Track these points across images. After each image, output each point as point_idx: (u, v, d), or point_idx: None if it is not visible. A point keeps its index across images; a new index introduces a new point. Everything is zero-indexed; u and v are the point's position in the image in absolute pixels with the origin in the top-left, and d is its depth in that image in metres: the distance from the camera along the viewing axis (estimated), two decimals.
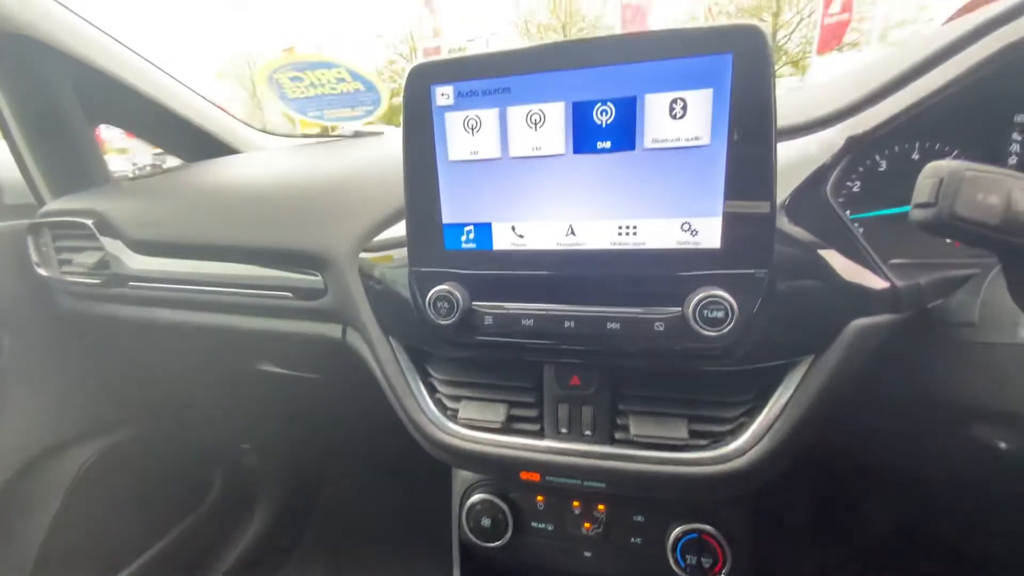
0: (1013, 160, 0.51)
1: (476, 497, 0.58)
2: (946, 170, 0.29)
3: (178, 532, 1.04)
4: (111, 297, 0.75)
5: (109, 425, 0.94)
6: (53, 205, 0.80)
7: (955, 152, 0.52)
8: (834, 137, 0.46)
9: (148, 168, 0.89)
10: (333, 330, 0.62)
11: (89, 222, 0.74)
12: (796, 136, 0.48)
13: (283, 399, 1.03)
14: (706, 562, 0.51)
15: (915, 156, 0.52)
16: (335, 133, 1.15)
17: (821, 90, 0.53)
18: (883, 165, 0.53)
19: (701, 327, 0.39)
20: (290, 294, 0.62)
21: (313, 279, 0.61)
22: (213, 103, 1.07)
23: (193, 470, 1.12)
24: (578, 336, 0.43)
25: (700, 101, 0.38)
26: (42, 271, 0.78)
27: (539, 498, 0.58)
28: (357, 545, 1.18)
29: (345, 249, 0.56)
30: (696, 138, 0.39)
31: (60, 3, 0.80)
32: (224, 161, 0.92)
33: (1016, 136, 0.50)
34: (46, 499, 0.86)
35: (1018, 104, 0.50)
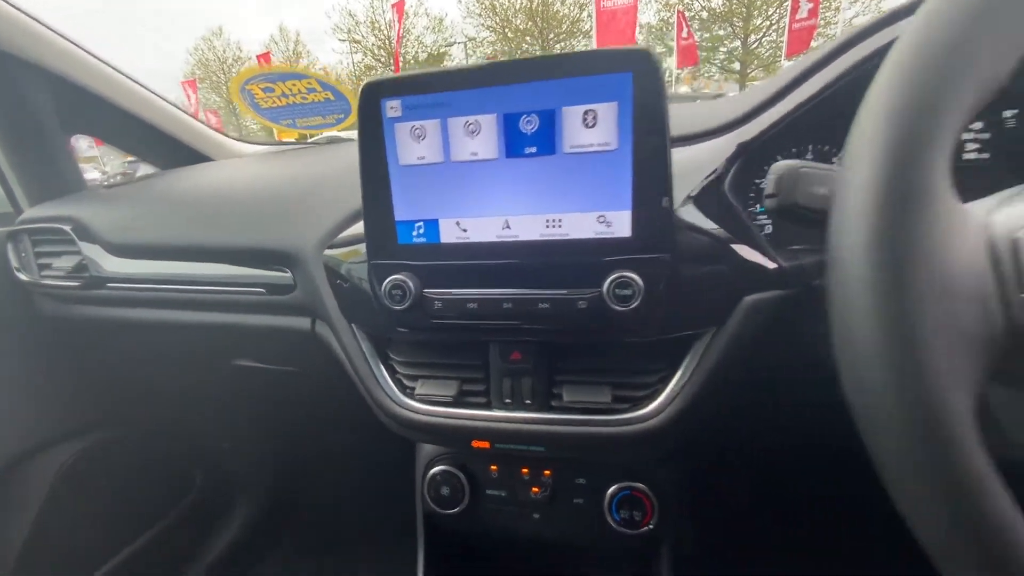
0: None
1: (436, 469, 0.64)
2: (784, 167, 0.37)
3: (159, 528, 1.07)
4: (90, 299, 0.78)
5: (90, 425, 0.97)
6: (31, 212, 0.84)
7: (840, 155, 0.60)
8: (728, 143, 0.53)
9: (119, 177, 0.93)
10: (303, 322, 0.68)
11: (67, 227, 0.78)
12: (699, 141, 0.55)
13: (261, 397, 1.07)
14: (637, 515, 0.58)
15: (808, 156, 0.61)
16: (311, 140, 1.20)
17: (725, 103, 0.60)
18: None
19: (614, 304, 0.46)
20: (262, 290, 0.67)
21: (283, 275, 0.66)
22: (186, 112, 1.11)
23: (174, 468, 1.15)
24: (515, 315, 0.50)
25: (608, 112, 0.45)
26: (22, 276, 0.81)
27: (492, 467, 0.64)
28: (338, 537, 1.22)
29: (311, 246, 0.62)
30: (606, 144, 0.46)
31: (36, 19, 0.84)
32: (198, 167, 0.97)
33: None
34: (28, 499, 0.89)
35: None
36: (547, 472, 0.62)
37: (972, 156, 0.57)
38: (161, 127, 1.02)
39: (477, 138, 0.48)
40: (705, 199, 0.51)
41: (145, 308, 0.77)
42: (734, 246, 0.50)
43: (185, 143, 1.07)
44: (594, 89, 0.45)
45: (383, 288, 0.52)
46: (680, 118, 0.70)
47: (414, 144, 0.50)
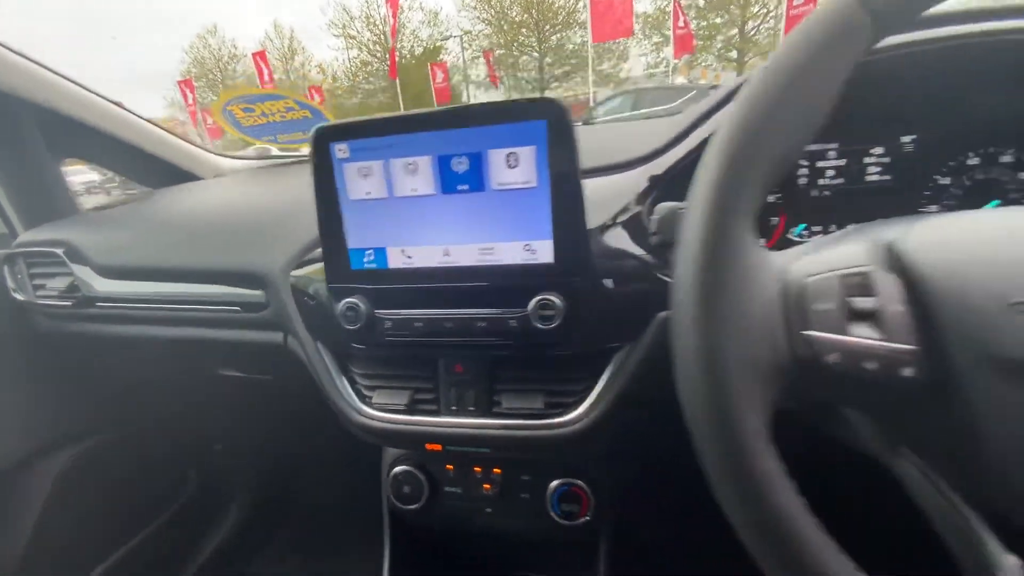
0: (803, 180, 0.65)
1: (398, 468, 0.71)
2: (666, 209, 0.43)
3: (153, 528, 1.14)
4: (82, 317, 0.85)
5: (87, 431, 1.04)
6: (26, 236, 0.90)
7: None
8: (640, 176, 0.59)
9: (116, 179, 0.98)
10: (276, 337, 0.74)
11: (59, 251, 0.84)
12: (618, 172, 0.61)
13: (247, 400, 1.13)
14: (575, 508, 0.65)
15: None
16: (296, 153, 1.26)
17: (648, 136, 0.66)
18: None
19: (538, 323, 0.52)
20: (238, 308, 0.74)
21: (257, 294, 0.72)
22: (172, 133, 1.17)
23: (168, 470, 1.22)
24: (455, 333, 0.56)
25: (527, 155, 0.51)
26: (18, 296, 0.88)
27: (448, 467, 0.70)
28: (319, 533, 1.29)
29: (280, 268, 0.68)
30: (527, 182, 0.51)
31: (20, 53, 0.89)
32: (180, 190, 1.02)
33: (803, 161, 0.64)
34: (30, 501, 0.95)
35: None
36: (497, 470, 0.69)
37: (875, 179, 0.63)
38: (145, 148, 1.07)
39: (416, 176, 0.54)
40: (623, 225, 0.57)
41: (133, 325, 0.83)
42: (645, 267, 0.56)
43: (170, 162, 1.13)
44: (514, 134, 0.51)
45: (338, 309, 0.58)
46: (610, 141, 0.76)
47: (361, 181, 0.56)
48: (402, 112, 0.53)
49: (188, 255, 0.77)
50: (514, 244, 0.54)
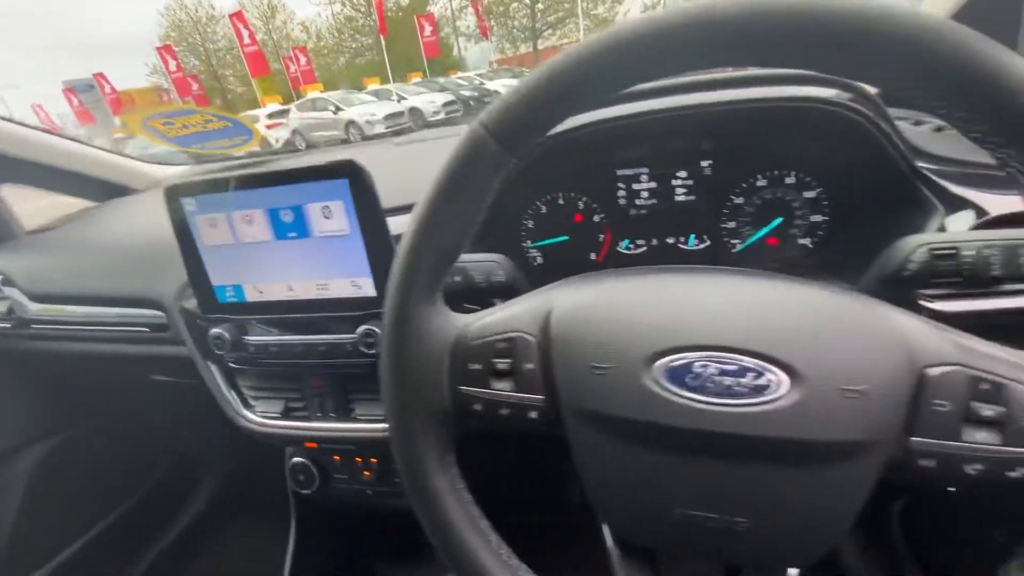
0: (622, 201, 0.72)
1: (295, 460, 0.83)
2: None
3: (120, 512, 1.28)
4: (23, 336, 0.96)
5: (56, 428, 1.17)
6: None
7: (584, 198, 0.73)
8: None
9: None
10: (183, 351, 0.84)
11: None
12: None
13: (191, 399, 1.26)
14: None
15: (560, 201, 0.74)
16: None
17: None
18: (543, 209, 0.75)
19: (364, 348, 0.62)
20: (147, 329, 0.84)
21: (160, 315, 0.82)
22: (103, 149, 1.23)
23: (136, 459, 1.36)
24: (304, 355, 0.66)
25: (339, 207, 0.59)
26: None
27: (336, 458, 0.82)
28: (270, 513, 1.41)
29: (173, 296, 0.77)
30: (342, 230, 0.60)
31: None
32: (104, 210, 1.11)
33: (620, 185, 0.71)
34: (10, 492, 1.10)
35: (618, 164, 0.70)
36: (374, 459, 0.81)
37: (682, 199, 0.70)
38: (78, 171, 1.14)
39: (253, 226, 0.62)
40: None
41: (68, 342, 0.94)
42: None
43: (105, 180, 1.20)
44: (326, 191, 0.58)
45: (209, 337, 0.68)
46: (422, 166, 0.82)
47: (211, 230, 0.64)
48: (237, 172, 0.61)
49: (100, 281, 0.86)
50: (343, 280, 0.63)
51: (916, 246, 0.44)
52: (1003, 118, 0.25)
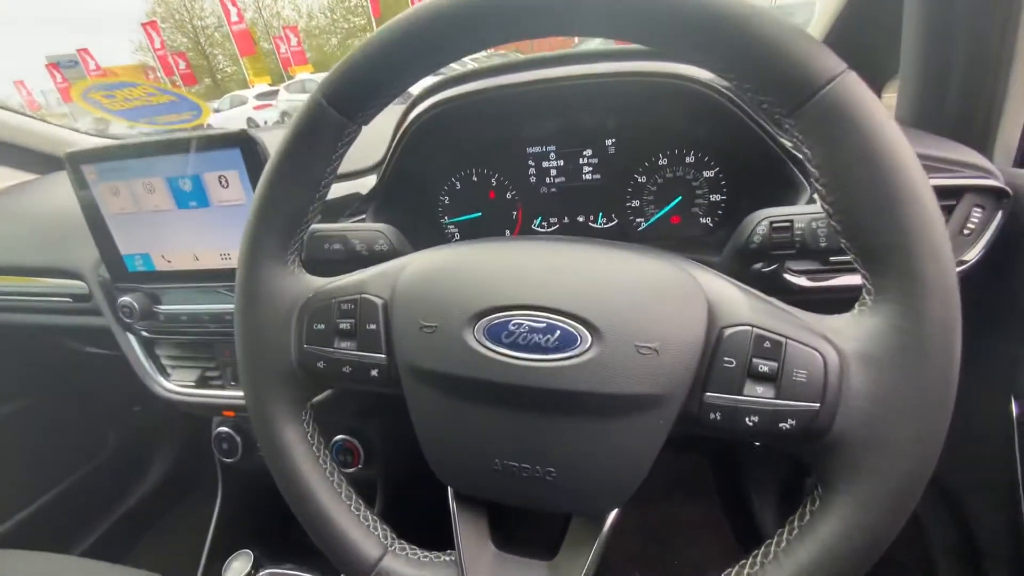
0: (533, 179, 0.74)
1: (220, 429, 0.85)
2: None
3: (71, 482, 1.29)
4: None
5: (7, 397, 1.18)
6: None
7: (496, 175, 0.74)
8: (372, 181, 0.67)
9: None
10: (105, 322, 0.85)
11: None
12: (358, 177, 0.69)
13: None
14: (349, 458, 0.79)
15: (474, 178, 0.75)
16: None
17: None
18: (458, 185, 0.76)
19: None
20: (70, 299, 0.84)
21: (81, 286, 0.83)
22: (31, 115, 1.21)
23: (88, 432, 1.37)
24: (212, 324, 0.67)
25: (234, 177, 0.60)
26: None
27: None
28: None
29: (90, 267, 0.78)
30: (239, 199, 0.61)
31: None
32: (30, 184, 1.10)
33: (531, 162, 0.72)
34: None
35: (527, 142, 0.71)
36: None
37: (588, 177, 0.72)
38: (18, 143, 1.13)
39: (154, 195, 0.63)
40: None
41: (6, 313, 0.94)
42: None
43: (48, 153, 1.19)
44: (220, 160, 0.59)
45: (117, 305, 0.69)
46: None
47: (113, 198, 0.65)
48: (134, 140, 0.61)
49: (22, 253, 0.86)
50: None
51: (759, 220, 0.46)
52: (784, 90, 0.27)
